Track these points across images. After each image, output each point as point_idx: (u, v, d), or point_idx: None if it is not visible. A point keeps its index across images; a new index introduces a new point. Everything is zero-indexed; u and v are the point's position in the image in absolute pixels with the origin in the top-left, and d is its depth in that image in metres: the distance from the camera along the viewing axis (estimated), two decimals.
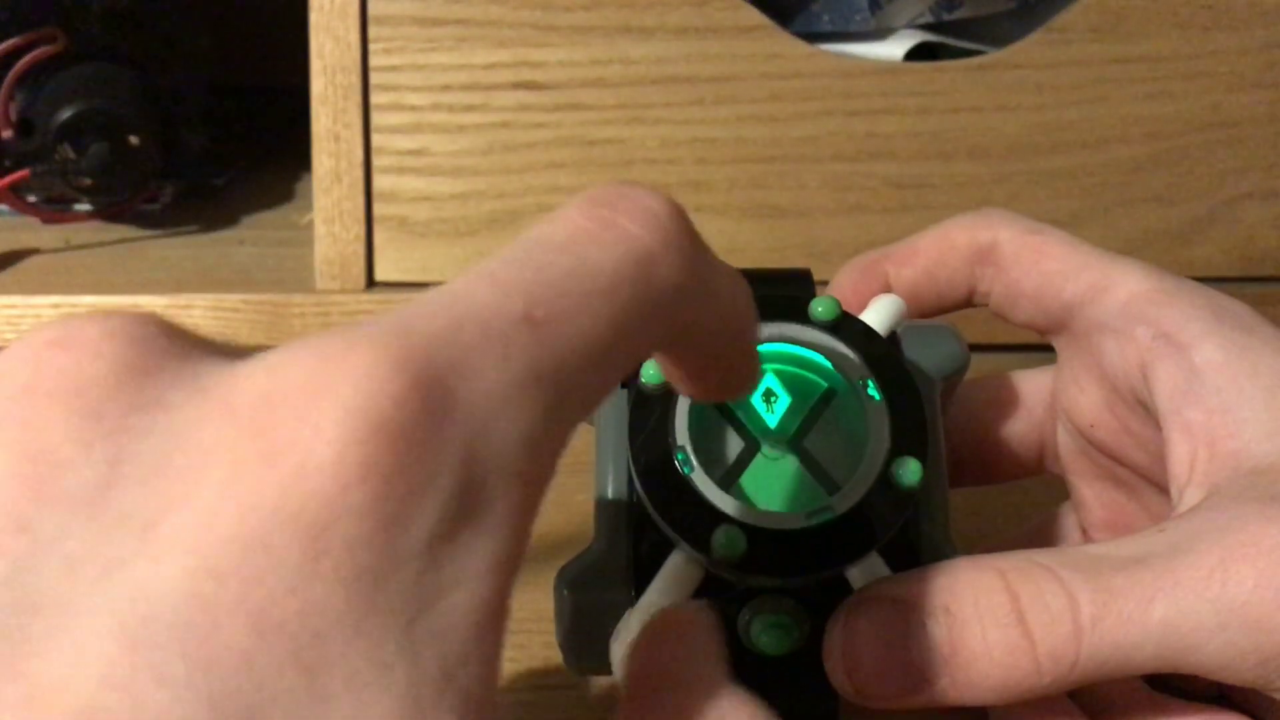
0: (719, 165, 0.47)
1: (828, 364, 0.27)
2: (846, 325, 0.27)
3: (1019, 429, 0.33)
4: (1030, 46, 0.47)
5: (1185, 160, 0.48)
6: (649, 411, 0.26)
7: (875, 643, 0.25)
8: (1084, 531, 0.32)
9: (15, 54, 0.51)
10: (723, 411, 0.27)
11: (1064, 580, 0.25)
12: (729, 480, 0.26)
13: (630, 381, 0.27)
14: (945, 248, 0.31)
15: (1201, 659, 0.24)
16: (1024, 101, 0.47)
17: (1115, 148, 0.48)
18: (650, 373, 0.26)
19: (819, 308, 0.27)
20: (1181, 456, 0.27)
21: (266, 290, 0.47)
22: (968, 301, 0.32)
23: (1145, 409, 0.29)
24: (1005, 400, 0.33)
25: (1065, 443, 0.32)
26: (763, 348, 0.27)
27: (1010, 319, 0.32)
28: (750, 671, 0.27)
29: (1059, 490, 0.34)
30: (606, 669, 0.27)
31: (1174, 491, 0.27)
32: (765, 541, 0.24)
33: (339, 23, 0.46)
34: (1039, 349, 0.33)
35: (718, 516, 0.25)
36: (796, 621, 0.26)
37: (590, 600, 0.26)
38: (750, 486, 0.26)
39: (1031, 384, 0.33)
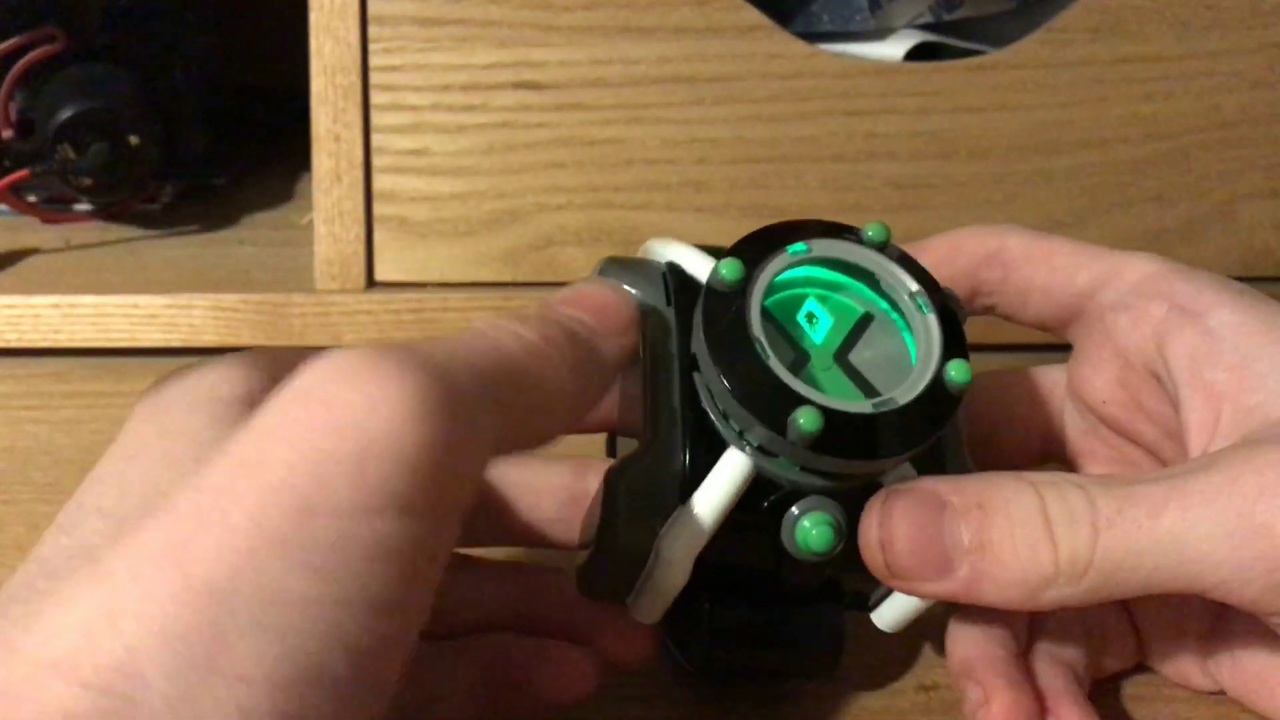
0: (719, 165, 0.47)
1: (864, 289, 0.29)
2: (893, 249, 0.29)
3: (1022, 419, 0.33)
4: (1030, 46, 0.47)
5: (1185, 160, 0.48)
6: (725, 306, 0.27)
7: (910, 523, 0.26)
8: None
9: (15, 54, 0.51)
10: (774, 324, 0.28)
11: (1088, 490, 0.26)
12: (795, 374, 0.27)
13: (692, 300, 0.28)
14: (953, 250, 0.32)
15: (1206, 571, 0.25)
16: (1024, 101, 0.47)
17: (1115, 148, 0.48)
18: (724, 272, 0.27)
19: (870, 231, 0.29)
20: (1203, 417, 0.28)
21: (266, 290, 0.47)
22: (969, 304, 0.32)
23: (1158, 382, 0.30)
24: (1011, 393, 0.34)
25: (1074, 425, 0.33)
26: (804, 271, 0.29)
27: (1019, 319, 0.32)
28: (784, 581, 0.28)
29: None
30: (626, 592, 0.28)
31: (1195, 450, 0.28)
32: (839, 423, 0.26)
33: (339, 22, 0.46)
34: (1041, 349, 0.34)
35: (796, 399, 0.26)
36: (839, 521, 0.27)
37: (642, 502, 0.27)
38: (813, 384, 0.27)
39: (1035, 377, 0.34)
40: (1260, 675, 0.29)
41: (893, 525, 0.26)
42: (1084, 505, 0.26)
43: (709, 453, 0.27)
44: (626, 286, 0.29)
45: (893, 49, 0.49)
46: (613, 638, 0.30)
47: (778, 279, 0.28)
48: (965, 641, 0.30)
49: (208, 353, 0.47)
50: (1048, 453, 0.34)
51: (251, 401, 0.24)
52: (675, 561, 0.27)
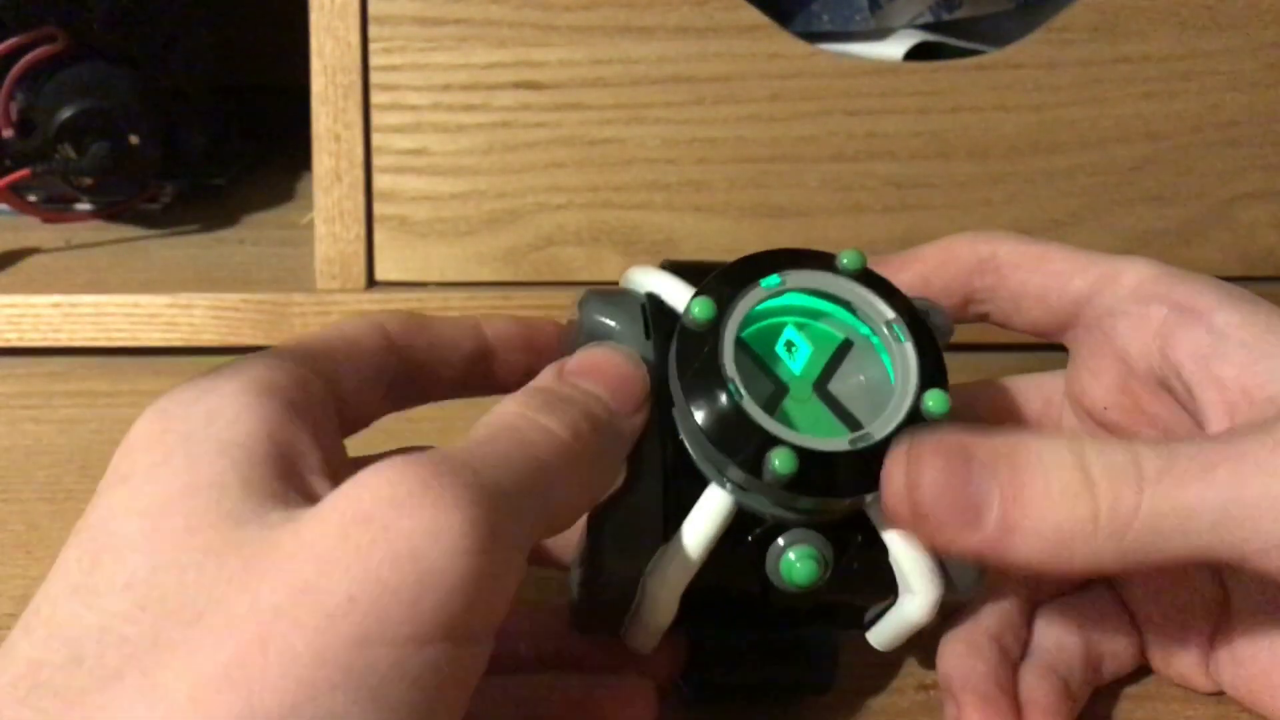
0: (719, 165, 0.47)
1: (847, 316, 0.29)
2: (869, 275, 0.29)
3: (1017, 424, 0.33)
4: (1030, 46, 0.47)
5: (1185, 160, 0.48)
6: (697, 346, 0.27)
7: (937, 468, 0.25)
8: None
9: (16, 53, 0.51)
10: (752, 357, 0.28)
11: (1129, 444, 0.25)
12: (771, 412, 0.27)
13: (670, 332, 0.28)
14: (946, 257, 0.32)
15: (1254, 537, 0.24)
16: (1024, 101, 0.47)
17: (1115, 148, 0.48)
18: (696, 311, 0.27)
19: (844, 259, 0.29)
20: (1219, 412, 0.28)
21: (267, 290, 0.47)
22: (962, 311, 0.32)
23: (1159, 385, 0.30)
24: (1007, 401, 0.34)
25: (1075, 430, 0.32)
26: (782, 300, 0.29)
27: (1013, 326, 0.32)
28: (767, 611, 0.28)
29: None
30: (618, 626, 0.28)
31: None
32: (814, 463, 0.26)
33: (339, 22, 0.46)
34: (1036, 349, 0.34)
35: (770, 439, 0.26)
36: (823, 554, 0.27)
37: (625, 541, 0.27)
38: (788, 421, 0.27)
39: (1028, 383, 0.34)
40: (1262, 676, 0.29)
41: (920, 469, 0.25)
42: (1128, 459, 0.25)
43: (690, 489, 0.27)
44: (607, 319, 0.29)
45: (893, 49, 0.49)
46: (644, 666, 0.29)
47: (756, 309, 0.28)
48: (949, 655, 0.30)
49: (208, 352, 0.47)
50: None
51: (275, 444, 0.23)
52: (661, 599, 0.27)
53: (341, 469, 0.25)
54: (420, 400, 0.30)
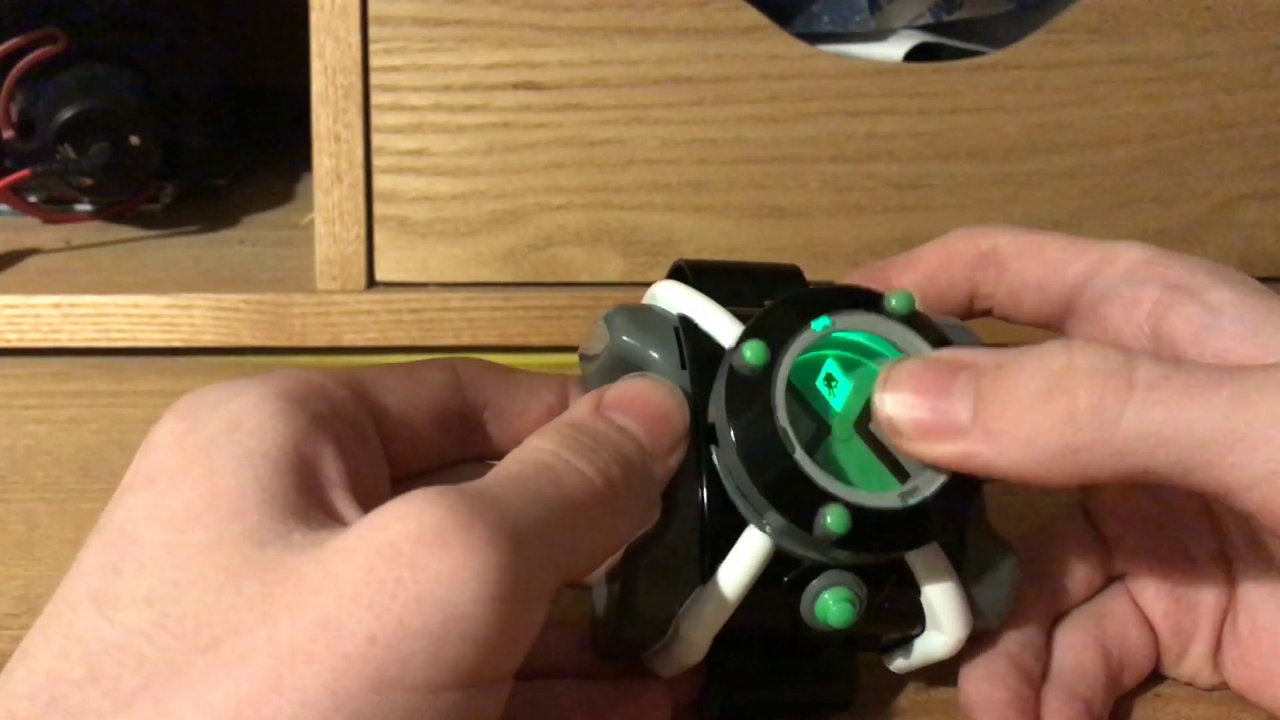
0: (719, 166, 0.47)
1: (894, 354, 0.28)
2: (919, 319, 0.28)
3: None
4: (1030, 47, 0.47)
5: (1185, 161, 0.48)
6: (750, 393, 0.26)
7: (917, 379, 0.25)
8: (1090, 521, 0.32)
9: (16, 54, 0.51)
10: (795, 396, 0.27)
11: (1126, 351, 0.24)
12: (813, 453, 0.26)
13: (706, 361, 0.27)
14: (947, 255, 0.32)
15: (1250, 462, 0.23)
16: (1023, 102, 0.47)
17: (1115, 148, 0.48)
18: (749, 355, 0.26)
19: (894, 301, 0.28)
20: None
21: (267, 290, 0.47)
22: (968, 308, 0.32)
23: None
24: None
25: None
26: (834, 335, 0.28)
27: (1015, 318, 0.32)
28: (788, 651, 0.28)
29: (1063, 494, 0.34)
30: (639, 656, 0.28)
31: None
32: (867, 520, 0.25)
33: (340, 23, 0.46)
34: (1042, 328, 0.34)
35: (824, 496, 0.25)
36: (859, 596, 0.27)
37: (660, 581, 0.26)
38: (836, 468, 0.27)
39: None
40: (1268, 670, 0.29)
41: (896, 383, 0.25)
42: (1120, 361, 0.24)
43: (728, 530, 0.26)
44: (643, 345, 0.28)
45: (892, 50, 0.49)
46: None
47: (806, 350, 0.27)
48: (970, 684, 0.29)
49: (208, 353, 0.47)
50: None
51: (299, 457, 0.23)
52: (695, 641, 0.27)
53: (376, 490, 0.25)
54: (491, 450, 0.29)
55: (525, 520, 0.22)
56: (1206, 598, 0.31)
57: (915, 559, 0.27)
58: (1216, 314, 0.28)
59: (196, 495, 0.22)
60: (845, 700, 0.30)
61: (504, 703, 0.22)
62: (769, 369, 0.26)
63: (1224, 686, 0.31)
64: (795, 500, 0.25)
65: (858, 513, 0.25)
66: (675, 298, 0.29)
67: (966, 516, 0.27)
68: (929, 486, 0.26)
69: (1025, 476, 0.25)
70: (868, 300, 0.28)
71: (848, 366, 0.28)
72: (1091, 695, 0.30)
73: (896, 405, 0.26)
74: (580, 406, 0.26)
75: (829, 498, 0.25)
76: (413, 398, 0.27)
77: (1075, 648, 0.30)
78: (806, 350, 0.27)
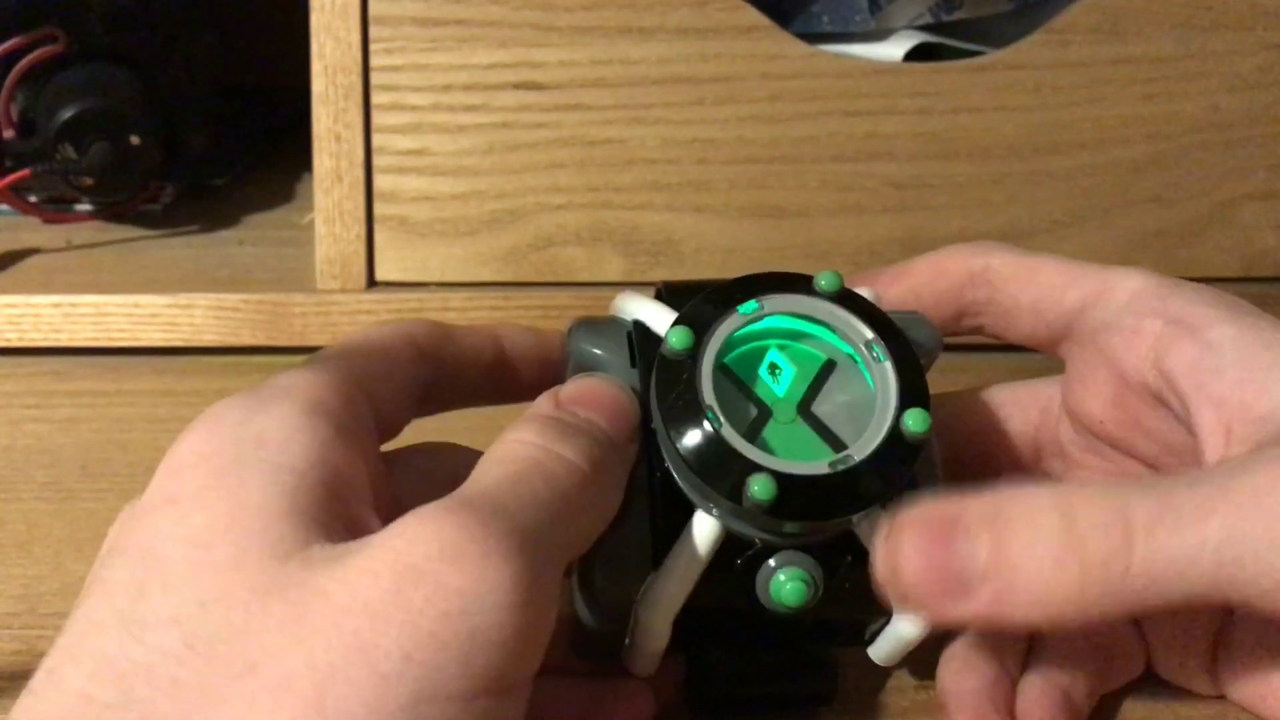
0: (719, 165, 0.47)
1: (828, 335, 0.29)
2: (848, 296, 0.29)
3: (1015, 433, 0.33)
4: (1030, 47, 0.47)
5: (1184, 161, 0.48)
6: (676, 375, 0.27)
7: (918, 548, 0.25)
8: None
9: (17, 54, 0.51)
10: (735, 382, 0.28)
11: (1119, 492, 0.24)
12: (752, 437, 0.27)
13: (653, 349, 0.28)
14: (937, 271, 0.32)
15: (1253, 580, 0.23)
16: (1023, 102, 0.47)
17: (1115, 148, 0.48)
18: (673, 340, 0.27)
19: (822, 281, 0.29)
20: (1214, 429, 0.27)
21: (267, 290, 0.47)
22: (955, 324, 0.32)
23: (1156, 400, 0.30)
24: (1000, 407, 0.34)
25: (1072, 441, 0.32)
26: (764, 324, 0.29)
27: (1006, 338, 0.32)
28: (764, 629, 0.28)
29: None
30: (617, 652, 0.28)
31: (1210, 459, 0.27)
32: (794, 488, 0.26)
33: (340, 23, 0.46)
34: (1032, 350, 0.34)
35: (749, 466, 0.26)
36: (813, 576, 0.27)
37: (616, 570, 0.27)
38: (769, 446, 0.27)
39: (1024, 391, 0.34)
40: (1266, 680, 0.29)
41: (900, 554, 0.25)
42: (1115, 512, 0.24)
43: (678, 516, 0.27)
44: (594, 349, 0.29)
45: (892, 50, 0.49)
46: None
47: (737, 334, 0.28)
48: (945, 671, 0.30)
49: (208, 352, 0.47)
50: (1044, 468, 0.33)
51: (326, 469, 0.24)
52: (653, 625, 0.27)
53: (381, 489, 0.26)
54: (442, 408, 0.30)
55: (530, 523, 0.23)
56: (1202, 611, 0.30)
57: (865, 532, 0.27)
58: (1216, 353, 0.28)
59: (221, 511, 0.23)
60: (828, 693, 0.30)
61: (526, 704, 0.23)
62: (694, 351, 0.27)
63: (1223, 697, 0.31)
64: (723, 472, 0.26)
65: (785, 480, 0.26)
66: (630, 305, 0.30)
67: (903, 481, 0.27)
68: (861, 454, 0.27)
69: (1041, 626, 0.25)
70: (796, 282, 0.29)
71: (789, 353, 0.29)
72: (1070, 686, 0.30)
73: (903, 574, 0.25)
74: (542, 403, 0.27)
75: (754, 467, 0.26)
76: (395, 381, 0.28)
77: (1058, 641, 0.30)
78: (736, 332, 0.28)
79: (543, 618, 0.23)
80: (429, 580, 0.21)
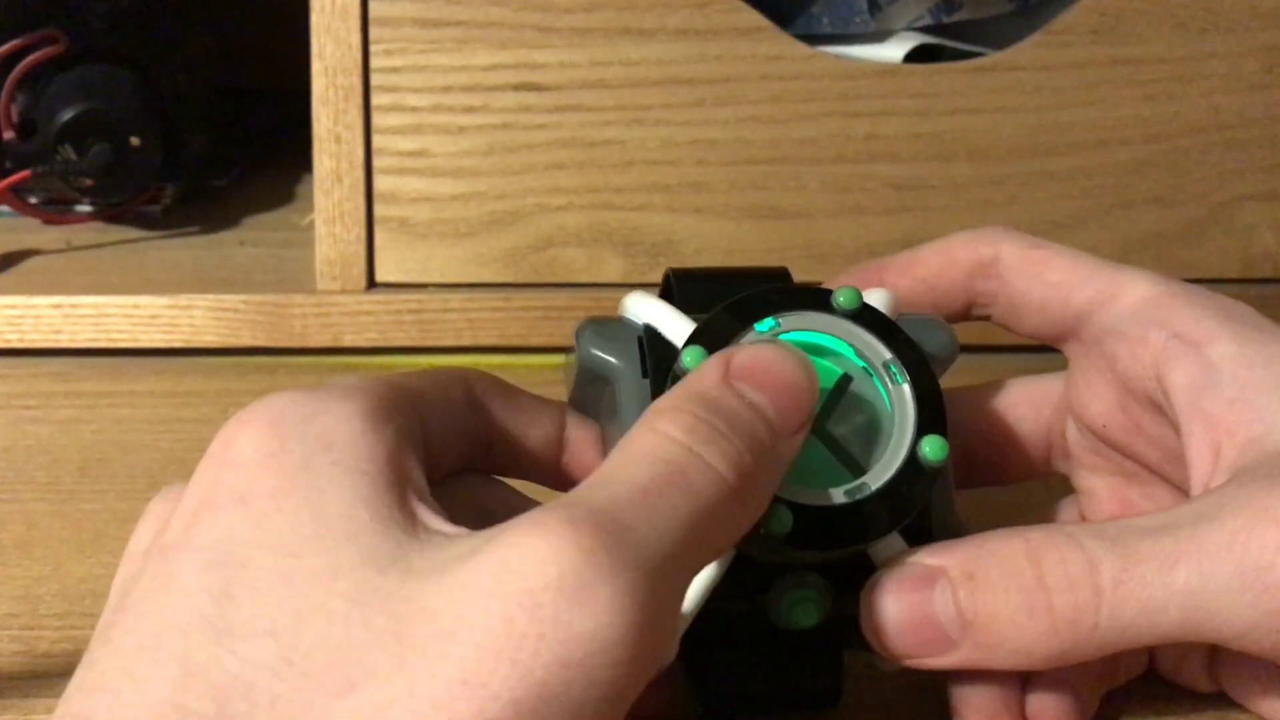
0: (719, 167, 0.47)
1: (845, 350, 0.28)
2: (868, 314, 0.28)
3: (1028, 431, 0.33)
4: (1030, 48, 0.47)
5: (1184, 161, 0.48)
6: None
7: (899, 606, 0.26)
8: (1085, 518, 0.32)
9: (17, 55, 0.52)
10: None
11: (1086, 547, 0.25)
12: None
13: (668, 370, 0.27)
14: (946, 260, 0.32)
15: (1223, 625, 0.25)
16: (1023, 103, 0.47)
17: (1115, 149, 0.48)
18: (688, 361, 0.26)
19: (841, 298, 0.28)
20: (1203, 449, 0.27)
21: (267, 291, 0.47)
22: (964, 315, 0.32)
23: (1158, 409, 0.30)
24: (1014, 405, 0.33)
25: (1076, 440, 0.32)
26: (781, 337, 0.28)
27: (1015, 330, 0.32)
28: (773, 646, 0.28)
29: (1060, 490, 0.34)
30: None
31: (1196, 482, 0.28)
32: (810, 518, 0.26)
33: (340, 24, 0.46)
34: (1041, 350, 0.34)
35: None
36: (823, 596, 0.27)
37: None
38: None
39: (1037, 388, 0.33)
40: (1266, 680, 0.29)
41: (882, 613, 0.26)
42: (1083, 568, 0.25)
43: None
44: (606, 355, 0.28)
45: (892, 51, 0.49)
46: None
47: None
48: (955, 678, 0.29)
49: (209, 353, 0.47)
50: (1051, 464, 0.33)
51: (394, 473, 0.23)
52: None
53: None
54: (493, 468, 0.29)
55: (662, 553, 0.21)
56: None
57: (878, 552, 0.27)
58: (1214, 372, 0.28)
59: (306, 517, 0.22)
60: (834, 693, 0.30)
61: None
62: None
63: (1223, 694, 0.31)
64: None
65: (801, 511, 0.25)
66: (640, 308, 0.29)
67: (916, 508, 0.27)
68: (876, 482, 0.27)
69: (1026, 669, 0.26)
70: (814, 299, 0.28)
71: None
72: (1079, 685, 0.30)
73: (887, 629, 0.26)
74: (708, 372, 0.25)
75: (772, 498, 0.25)
76: (446, 416, 0.27)
77: None
78: None
79: (658, 655, 0.21)
80: (547, 617, 0.20)
